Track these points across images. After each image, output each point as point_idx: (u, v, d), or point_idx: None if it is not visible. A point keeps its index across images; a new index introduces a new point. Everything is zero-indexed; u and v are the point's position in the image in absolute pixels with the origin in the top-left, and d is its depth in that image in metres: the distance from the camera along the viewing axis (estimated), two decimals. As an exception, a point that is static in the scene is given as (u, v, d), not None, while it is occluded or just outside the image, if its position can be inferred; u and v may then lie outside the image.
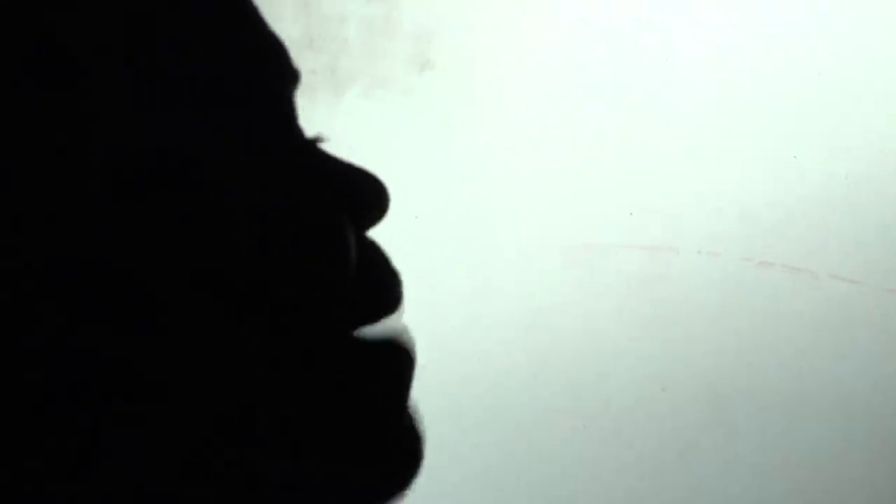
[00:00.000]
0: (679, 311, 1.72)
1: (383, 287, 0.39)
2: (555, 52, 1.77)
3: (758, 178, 1.71)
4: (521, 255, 1.74)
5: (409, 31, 1.81)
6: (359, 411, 0.36)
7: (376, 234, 0.39)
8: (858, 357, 1.67)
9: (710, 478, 1.70)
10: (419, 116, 1.76)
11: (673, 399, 1.71)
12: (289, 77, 0.39)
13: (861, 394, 1.67)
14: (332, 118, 1.70)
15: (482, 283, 1.72)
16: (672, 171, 1.73)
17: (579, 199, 1.75)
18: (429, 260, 1.65)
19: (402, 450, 0.38)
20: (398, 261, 0.39)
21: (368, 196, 0.39)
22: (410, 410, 0.38)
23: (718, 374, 1.71)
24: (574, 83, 1.76)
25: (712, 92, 1.73)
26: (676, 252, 1.72)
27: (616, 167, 1.75)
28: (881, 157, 1.67)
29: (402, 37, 1.80)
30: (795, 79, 1.70)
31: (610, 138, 1.75)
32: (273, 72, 0.38)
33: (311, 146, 0.38)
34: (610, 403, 1.72)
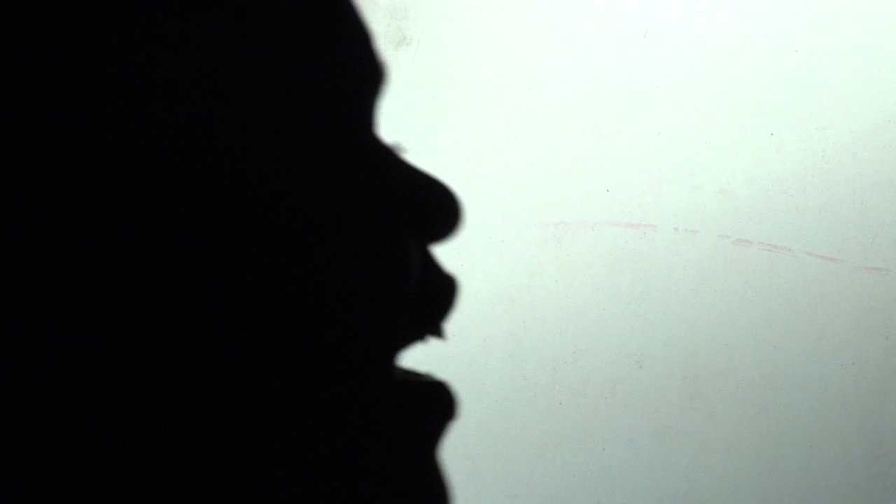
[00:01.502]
0: (656, 288, 1.72)
1: (436, 307, 0.39)
2: (531, 30, 1.76)
3: (735, 155, 1.70)
4: (498, 232, 1.74)
5: (385, 7, 1.80)
6: (390, 447, 0.36)
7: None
8: (835, 334, 1.67)
9: (685, 454, 1.70)
10: (395, 93, 1.75)
11: (649, 376, 1.71)
12: (370, 77, 0.38)
13: (837, 370, 1.67)
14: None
15: (458, 259, 1.71)
16: (649, 149, 1.73)
17: (556, 176, 1.74)
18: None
19: (427, 494, 0.38)
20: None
21: (438, 211, 0.39)
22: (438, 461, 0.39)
23: (695, 350, 1.71)
24: (551, 61, 1.75)
25: (690, 69, 1.72)
26: (654, 229, 1.72)
27: (593, 144, 1.74)
28: (858, 135, 1.67)
29: (379, 13, 1.79)
30: (773, 56, 1.70)
31: (587, 115, 1.74)
32: (354, 71, 0.37)
33: (387, 154, 0.38)
34: (586, 381, 1.72)
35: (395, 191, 0.37)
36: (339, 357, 0.34)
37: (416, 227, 0.37)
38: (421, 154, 1.77)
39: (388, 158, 0.38)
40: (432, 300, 0.39)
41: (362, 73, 0.37)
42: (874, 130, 1.66)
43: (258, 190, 0.32)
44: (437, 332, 0.39)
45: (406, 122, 1.78)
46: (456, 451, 1.69)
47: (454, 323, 0.38)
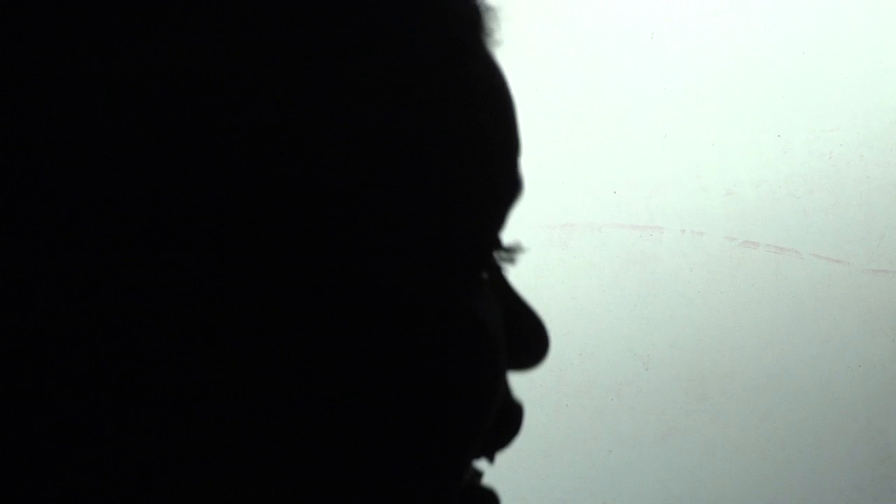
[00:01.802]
0: (663, 290, 1.72)
1: (503, 435, 0.40)
2: (538, 32, 1.76)
3: (742, 157, 1.70)
4: (505, 234, 1.74)
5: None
6: None
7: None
8: (841, 336, 1.67)
9: (692, 456, 1.70)
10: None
11: (656, 377, 1.71)
12: (513, 189, 0.38)
13: (843, 373, 1.67)
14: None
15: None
16: (656, 150, 1.73)
17: (562, 178, 1.74)
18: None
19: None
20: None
21: (532, 346, 0.40)
22: None
23: (701, 352, 1.71)
24: (558, 62, 1.76)
25: (697, 71, 1.72)
26: (661, 231, 1.72)
27: (600, 146, 1.74)
28: (865, 137, 1.67)
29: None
30: (779, 58, 1.70)
31: (594, 116, 1.74)
32: (500, 182, 0.37)
33: (498, 275, 0.39)
34: (593, 382, 1.72)
35: (502, 311, 0.38)
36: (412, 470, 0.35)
37: (512, 354, 0.38)
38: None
39: (499, 281, 0.39)
40: (501, 427, 0.39)
41: (506, 184, 0.38)
42: (881, 132, 1.66)
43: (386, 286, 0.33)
44: (491, 458, 0.41)
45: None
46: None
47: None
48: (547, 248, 1.73)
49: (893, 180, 1.66)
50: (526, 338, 0.40)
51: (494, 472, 1.66)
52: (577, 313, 1.72)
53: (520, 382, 1.65)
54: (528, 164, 1.62)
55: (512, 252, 0.40)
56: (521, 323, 0.39)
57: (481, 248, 0.37)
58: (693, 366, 1.71)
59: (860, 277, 1.67)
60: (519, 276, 1.82)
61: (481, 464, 0.40)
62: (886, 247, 1.66)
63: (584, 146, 1.75)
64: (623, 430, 1.72)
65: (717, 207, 1.70)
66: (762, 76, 1.70)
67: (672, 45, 1.73)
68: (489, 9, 0.37)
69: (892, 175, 1.66)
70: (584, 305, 1.72)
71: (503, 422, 0.40)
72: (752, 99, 1.70)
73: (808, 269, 1.68)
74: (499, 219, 0.38)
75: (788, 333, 1.69)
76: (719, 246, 1.70)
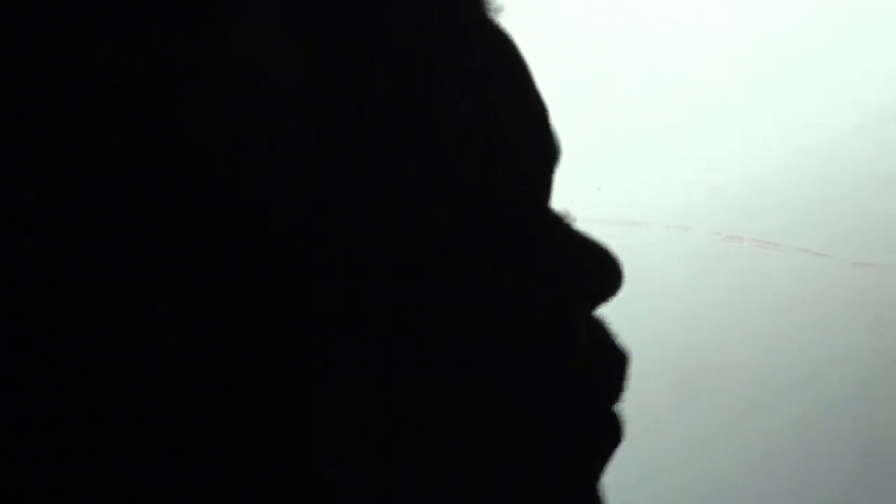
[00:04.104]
0: (648, 285, 1.71)
1: (608, 368, 0.41)
2: (521, 26, 1.76)
3: (727, 152, 1.71)
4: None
5: None
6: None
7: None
8: (826, 329, 1.68)
9: (677, 451, 1.70)
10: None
11: (641, 373, 1.70)
12: (551, 152, 0.39)
13: (828, 365, 1.68)
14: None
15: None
16: (640, 146, 1.73)
17: (547, 173, 1.74)
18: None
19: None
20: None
21: (603, 279, 0.40)
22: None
23: (687, 347, 1.70)
24: (541, 58, 1.76)
25: (681, 67, 1.74)
26: (645, 226, 1.72)
27: (584, 142, 1.74)
28: (850, 132, 1.69)
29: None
30: (764, 53, 1.72)
31: (577, 112, 1.75)
32: (537, 146, 0.38)
33: (556, 222, 0.39)
34: (578, 378, 1.71)
35: (564, 260, 0.39)
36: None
37: (583, 294, 0.39)
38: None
39: (560, 227, 0.39)
40: (600, 371, 0.40)
41: (544, 148, 0.39)
42: (865, 127, 1.69)
43: (433, 261, 0.33)
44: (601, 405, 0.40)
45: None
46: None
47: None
48: (531, 243, 1.72)
49: (878, 174, 1.69)
50: (597, 272, 0.40)
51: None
52: (562, 309, 1.71)
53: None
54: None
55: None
56: (591, 260, 0.40)
57: (538, 206, 0.38)
58: (678, 361, 1.70)
59: (846, 271, 1.68)
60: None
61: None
62: (871, 240, 1.68)
63: (568, 142, 1.74)
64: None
65: (701, 202, 1.71)
66: (746, 71, 1.72)
67: (656, 41, 1.74)
68: None
69: (876, 169, 1.68)
70: (569, 301, 1.71)
71: (600, 365, 0.40)
72: (737, 94, 1.72)
73: (793, 262, 1.69)
74: (546, 181, 0.39)
75: (774, 327, 1.69)
76: (704, 241, 1.71)
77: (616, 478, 1.82)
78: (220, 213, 0.29)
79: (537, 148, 0.37)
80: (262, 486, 0.30)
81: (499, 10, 0.41)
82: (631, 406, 1.88)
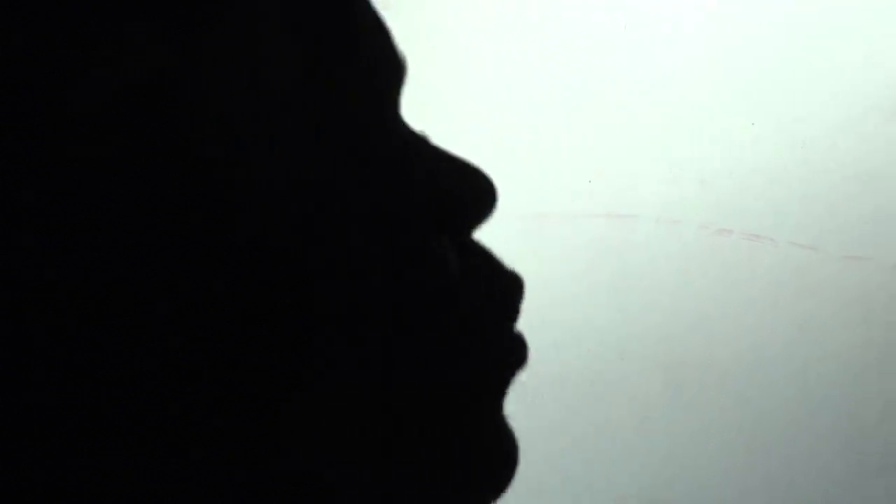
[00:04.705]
0: (637, 279, 1.72)
1: (492, 295, 0.39)
2: (509, 21, 1.76)
3: (716, 145, 1.72)
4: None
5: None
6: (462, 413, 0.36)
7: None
8: (815, 323, 1.69)
9: (667, 445, 1.70)
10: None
11: (630, 367, 1.71)
12: (393, 70, 0.38)
13: (818, 359, 1.68)
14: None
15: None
16: (630, 139, 1.73)
17: (536, 167, 1.74)
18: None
19: (500, 451, 0.37)
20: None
21: (470, 198, 0.38)
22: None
23: (677, 342, 1.71)
24: (531, 52, 1.76)
25: (670, 60, 1.74)
26: (635, 220, 1.72)
27: (574, 135, 1.74)
28: (837, 126, 1.70)
29: None
30: (751, 47, 1.72)
31: (567, 106, 1.75)
32: (375, 64, 0.37)
33: (414, 142, 0.38)
34: (567, 373, 1.71)
35: (421, 180, 0.37)
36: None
37: (451, 215, 0.37)
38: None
39: (416, 145, 0.38)
40: (483, 299, 0.38)
41: (385, 66, 0.38)
42: (853, 121, 1.69)
43: (284, 189, 0.32)
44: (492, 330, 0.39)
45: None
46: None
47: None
48: (521, 238, 1.72)
49: (866, 168, 1.69)
50: (460, 194, 0.39)
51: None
52: (552, 303, 1.71)
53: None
54: (502, 154, 1.62)
55: None
56: (449, 182, 0.38)
57: (388, 127, 0.38)
58: (668, 354, 1.71)
59: (834, 265, 1.68)
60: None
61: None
62: (860, 234, 1.68)
63: (558, 135, 1.75)
64: (598, 419, 1.71)
65: (691, 196, 1.71)
66: (735, 65, 1.72)
67: (645, 35, 1.74)
68: None
69: (864, 163, 1.69)
70: (559, 295, 1.71)
71: (481, 293, 0.39)
72: (726, 88, 1.72)
73: (783, 256, 1.69)
74: (394, 98, 0.39)
75: (763, 320, 1.69)
76: (694, 234, 1.71)
77: (605, 471, 1.81)
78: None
79: (383, 67, 0.37)
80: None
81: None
82: (620, 399, 1.87)
